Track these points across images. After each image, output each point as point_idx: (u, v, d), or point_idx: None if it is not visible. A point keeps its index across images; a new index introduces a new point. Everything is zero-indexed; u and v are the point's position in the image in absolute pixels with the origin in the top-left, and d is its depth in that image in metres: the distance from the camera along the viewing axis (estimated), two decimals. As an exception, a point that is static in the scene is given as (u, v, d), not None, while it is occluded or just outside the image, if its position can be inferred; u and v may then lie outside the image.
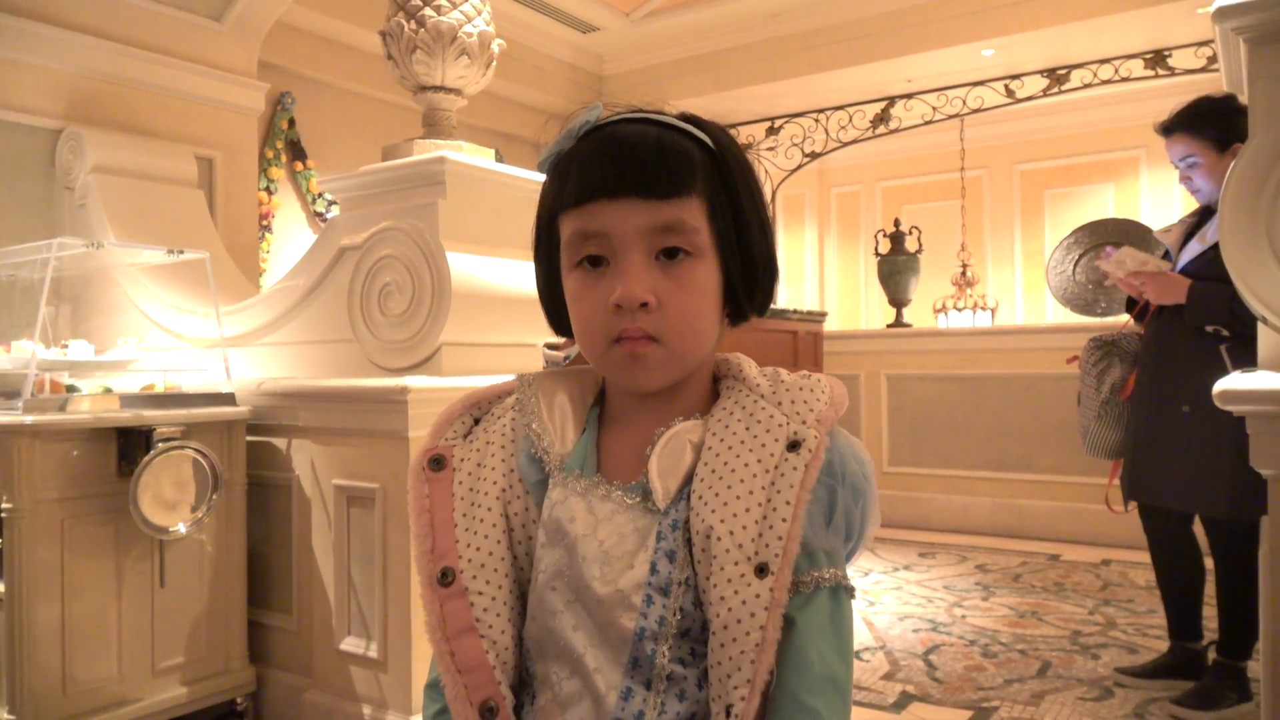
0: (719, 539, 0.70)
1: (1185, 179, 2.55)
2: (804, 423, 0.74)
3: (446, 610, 0.77)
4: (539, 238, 0.82)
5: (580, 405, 0.83)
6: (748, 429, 0.74)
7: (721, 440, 0.74)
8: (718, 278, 0.77)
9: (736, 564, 0.69)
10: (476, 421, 0.85)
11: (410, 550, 2.07)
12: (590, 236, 0.74)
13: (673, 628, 0.72)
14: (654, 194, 0.73)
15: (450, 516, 0.79)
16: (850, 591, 0.74)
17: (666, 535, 0.73)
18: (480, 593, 0.77)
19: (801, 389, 0.77)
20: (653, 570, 0.72)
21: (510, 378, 0.87)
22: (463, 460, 0.82)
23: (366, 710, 2.15)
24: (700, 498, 0.72)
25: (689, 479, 0.74)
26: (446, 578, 0.77)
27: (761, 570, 0.69)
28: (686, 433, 0.76)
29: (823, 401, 0.76)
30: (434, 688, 0.81)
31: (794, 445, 0.73)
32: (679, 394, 0.79)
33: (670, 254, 0.74)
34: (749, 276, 0.79)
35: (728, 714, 0.69)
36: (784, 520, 0.70)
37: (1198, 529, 2.57)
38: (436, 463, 0.82)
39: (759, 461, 0.72)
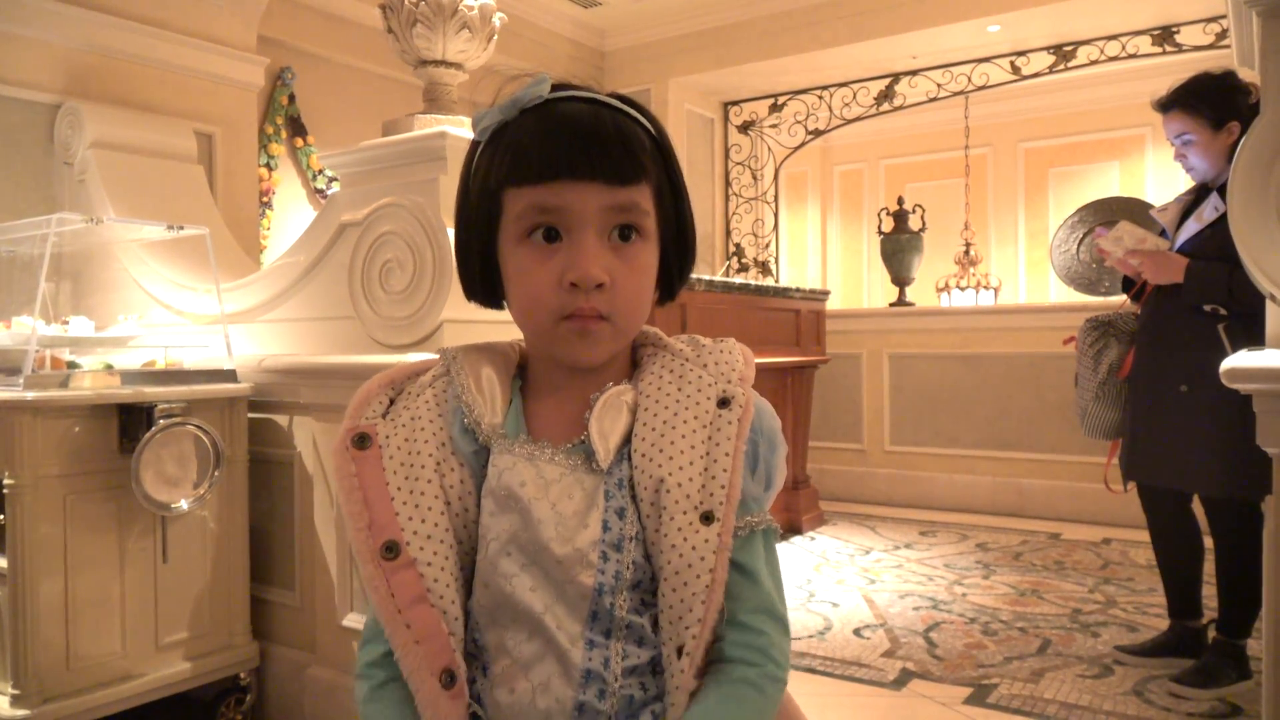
0: (668, 491, 0.76)
1: (1180, 156, 2.52)
2: (730, 381, 0.82)
3: (395, 582, 0.77)
4: (474, 206, 0.82)
5: (505, 376, 0.86)
6: (679, 389, 0.81)
7: (657, 401, 0.80)
8: (657, 258, 0.82)
9: (685, 513, 0.75)
10: (393, 401, 0.86)
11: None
12: (548, 211, 0.76)
13: (627, 580, 0.76)
14: (616, 179, 0.76)
15: (385, 491, 0.79)
16: (777, 532, 0.83)
17: (614, 493, 0.78)
18: (429, 563, 0.78)
19: (721, 351, 0.84)
20: (605, 528, 0.77)
21: (423, 357, 0.89)
22: (388, 437, 0.82)
23: (369, 685, 2.16)
24: (644, 455, 0.77)
25: (626, 439, 0.79)
26: (391, 551, 0.77)
27: (707, 518, 0.75)
28: (620, 395, 0.81)
29: (741, 362, 0.84)
30: (373, 666, 0.84)
31: (724, 402, 0.80)
32: (607, 363, 0.83)
33: (624, 235, 0.78)
34: (682, 256, 0.85)
35: (679, 654, 0.75)
36: (725, 471, 0.77)
37: (1197, 508, 2.58)
38: (360, 440, 0.82)
39: (695, 418, 0.79)
